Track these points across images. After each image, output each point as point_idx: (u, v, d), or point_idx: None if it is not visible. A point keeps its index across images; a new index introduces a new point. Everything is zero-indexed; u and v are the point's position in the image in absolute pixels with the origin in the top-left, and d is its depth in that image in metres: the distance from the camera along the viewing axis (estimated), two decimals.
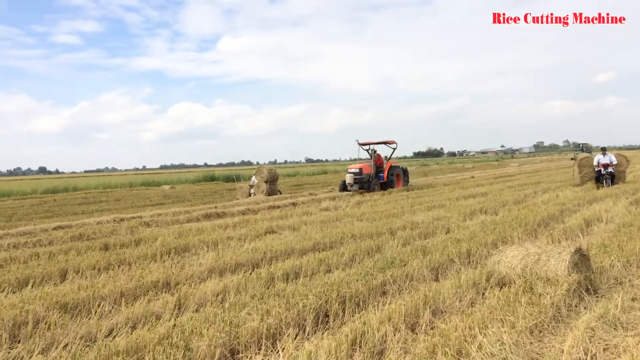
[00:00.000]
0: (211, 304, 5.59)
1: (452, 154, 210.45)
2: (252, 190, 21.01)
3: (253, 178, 21.51)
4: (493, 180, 26.59)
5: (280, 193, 21.48)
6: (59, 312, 5.29)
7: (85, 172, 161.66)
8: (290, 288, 5.75)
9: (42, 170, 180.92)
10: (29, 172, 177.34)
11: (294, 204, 17.08)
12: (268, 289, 6.06)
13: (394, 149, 22.56)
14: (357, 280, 5.87)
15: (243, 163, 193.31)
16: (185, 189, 31.49)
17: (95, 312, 5.47)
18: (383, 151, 27.95)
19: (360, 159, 22.51)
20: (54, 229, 12.30)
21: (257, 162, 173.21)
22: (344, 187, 21.09)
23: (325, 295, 5.32)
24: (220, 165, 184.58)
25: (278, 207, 16.37)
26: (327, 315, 5.11)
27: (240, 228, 11.50)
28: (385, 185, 21.28)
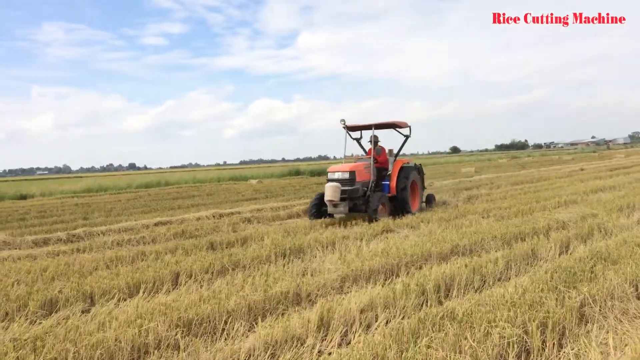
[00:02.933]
0: (360, 324, 4.48)
1: (538, 146, 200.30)
2: None
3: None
4: (609, 172, 23.89)
5: None
6: (183, 331, 4.37)
7: (171, 167, 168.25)
8: (461, 307, 4.50)
9: (132, 166, 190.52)
10: (120, 168, 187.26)
11: None
12: (427, 306, 4.87)
13: (407, 136, 12.94)
14: (546, 299, 4.52)
15: (320, 158, 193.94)
16: (273, 183, 30.97)
17: (223, 332, 4.52)
18: (387, 142, 15.24)
19: (354, 157, 13.03)
20: (155, 224, 11.82)
21: (334, 156, 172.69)
22: (317, 210, 11.79)
23: (519, 320, 4.03)
24: (297, 160, 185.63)
25: None
26: (526, 351, 3.82)
27: (351, 226, 10.38)
28: (395, 205, 12.06)
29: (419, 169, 13.51)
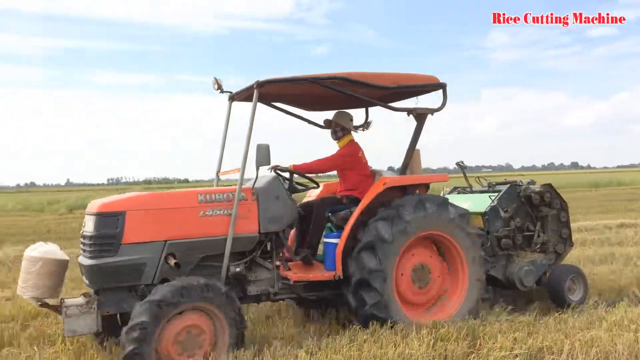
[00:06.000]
0: None
1: None
2: None
3: None
4: None
5: None
6: None
7: (618, 167, 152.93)
8: None
9: (574, 165, 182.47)
10: (561, 167, 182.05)
11: None
12: None
13: (419, 113, 4.93)
14: None
15: None
16: None
17: None
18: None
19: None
20: (618, 226, 11.21)
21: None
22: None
23: None
24: None
25: None
26: None
27: None
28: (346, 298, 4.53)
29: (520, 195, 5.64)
